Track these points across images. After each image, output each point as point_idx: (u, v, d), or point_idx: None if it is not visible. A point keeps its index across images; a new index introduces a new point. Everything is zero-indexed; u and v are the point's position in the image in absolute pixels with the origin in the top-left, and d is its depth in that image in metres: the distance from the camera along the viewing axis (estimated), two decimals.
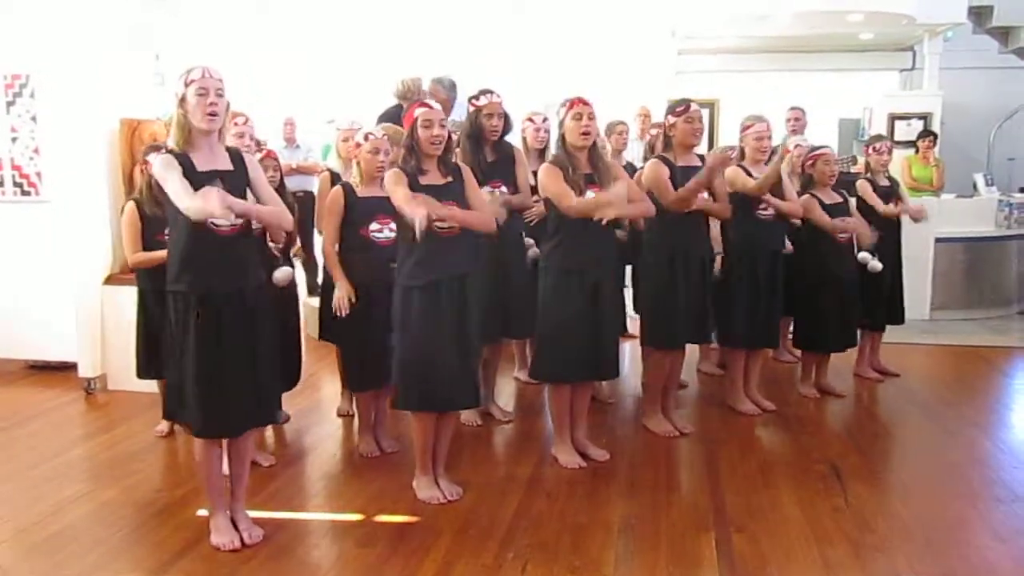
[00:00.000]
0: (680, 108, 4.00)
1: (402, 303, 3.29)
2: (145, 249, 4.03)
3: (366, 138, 3.75)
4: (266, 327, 2.98)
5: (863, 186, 5.00)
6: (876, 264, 4.83)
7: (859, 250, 4.80)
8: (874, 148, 5.07)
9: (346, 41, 8.21)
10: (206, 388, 2.86)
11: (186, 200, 2.69)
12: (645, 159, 4.76)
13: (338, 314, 3.70)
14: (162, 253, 3.31)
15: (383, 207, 3.56)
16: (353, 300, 3.68)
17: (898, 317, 5.21)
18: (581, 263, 3.60)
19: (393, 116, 5.30)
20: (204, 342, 2.83)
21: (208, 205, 2.59)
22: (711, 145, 7.82)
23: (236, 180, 2.88)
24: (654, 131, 4.99)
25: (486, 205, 3.43)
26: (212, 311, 2.83)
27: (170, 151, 2.85)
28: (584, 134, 3.55)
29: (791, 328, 5.47)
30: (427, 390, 3.30)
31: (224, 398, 2.88)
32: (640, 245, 4.26)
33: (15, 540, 3.14)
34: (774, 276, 4.44)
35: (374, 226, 3.70)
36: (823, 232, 4.61)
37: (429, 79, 5.66)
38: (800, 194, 4.72)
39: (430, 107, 3.28)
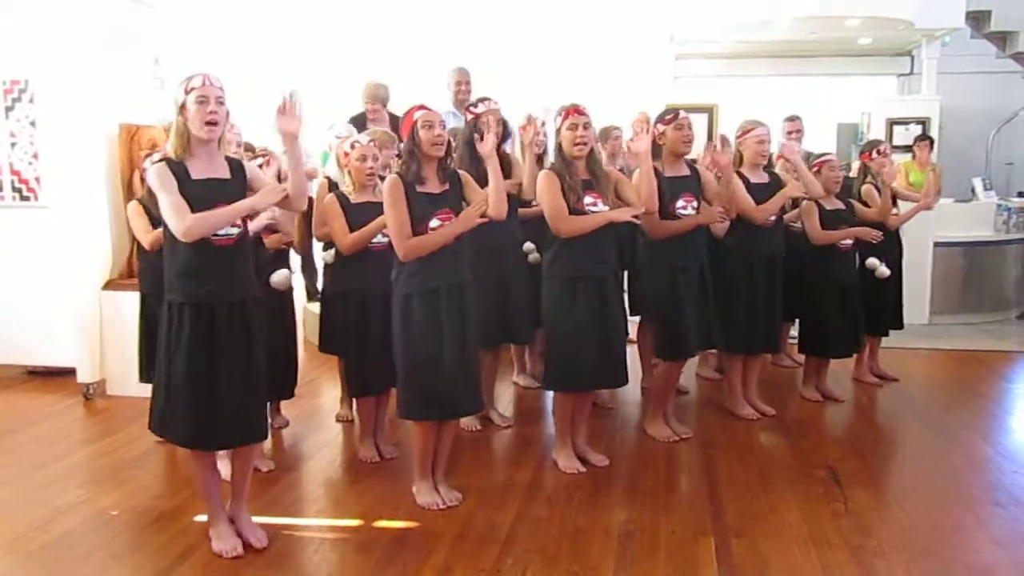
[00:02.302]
0: (669, 116, 4.00)
1: (402, 312, 3.29)
2: (145, 251, 4.04)
3: (353, 146, 3.74)
4: (260, 339, 2.96)
5: (869, 190, 5.00)
6: (884, 270, 4.83)
7: (865, 256, 4.81)
8: (878, 151, 5.07)
9: (345, 46, 8.21)
10: (194, 399, 2.83)
11: (175, 220, 2.73)
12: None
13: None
14: None
15: (376, 213, 3.57)
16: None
17: (898, 323, 5.22)
18: (584, 268, 3.59)
19: (358, 122, 5.31)
20: (196, 352, 2.81)
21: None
22: None
23: (233, 189, 2.87)
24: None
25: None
26: (207, 321, 2.82)
27: (165, 159, 2.84)
28: (579, 144, 3.55)
29: (791, 333, 5.49)
30: (429, 398, 3.29)
31: (212, 410, 2.85)
32: (635, 249, 4.27)
33: (12, 547, 3.13)
34: (773, 281, 4.44)
35: None
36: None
37: (450, 71, 5.68)
38: (799, 200, 4.73)
39: (429, 109, 3.28)
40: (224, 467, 3.48)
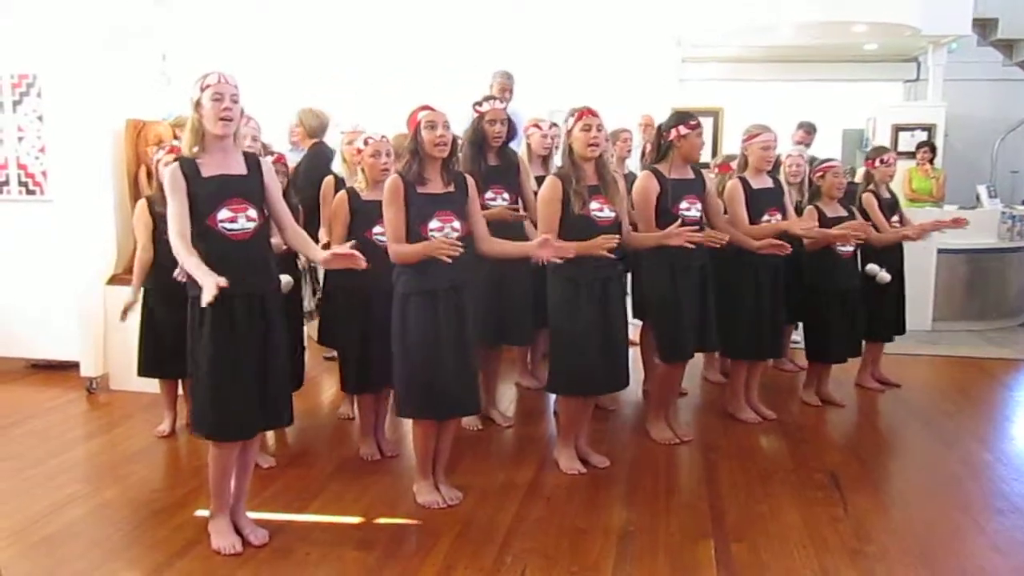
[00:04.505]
0: (693, 122, 3.98)
1: (401, 311, 3.29)
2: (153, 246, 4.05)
3: (366, 142, 3.75)
4: (279, 330, 2.99)
5: (868, 200, 4.97)
6: (884, 275, 4.81)
7: (865, 262, 4.80)
8: (881, 160, 5.05)
9: (351, 45, 8.23)
10: (220, 391, 2.86)
11: (174, 234, 2.79)
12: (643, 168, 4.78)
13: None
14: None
15: None
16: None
17: (900, 328, 5.21)
18: (588, 271, 3.58)
19: (316, 155, 5.25)
20: (218, 345, 2.83)
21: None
22: (714, 153, 7.82)
23: (250, 184, 2.89)
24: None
25: (482, 219, 3.44)
26: (227, 313, 2.83)
27: (179, 158, 2.88)
28: (592, 145, 3.55)
29: (792, 337, 5.49)
30: (428, 398, 3.29)
31: (238, 401, 2.88)
32: (639, 254, 4.26)
33: (14, 539, 3.14)
34: (777, 286, 4.44)
35: (377, 229, 3.69)
36: (824, 245, 4.60)
37: (494, 74, 5.65)
38: (804, 205, 4.73)
39: (433, 109, 3.27)
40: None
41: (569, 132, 3.60)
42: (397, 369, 3.35)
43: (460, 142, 3.75)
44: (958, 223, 4.97)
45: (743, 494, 3.60)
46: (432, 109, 3.27)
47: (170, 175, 2.82)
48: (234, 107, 2.82)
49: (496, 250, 3.39)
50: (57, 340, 5.17)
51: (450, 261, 3.10)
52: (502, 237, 3.51)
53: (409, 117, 3.31)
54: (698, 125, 3.98)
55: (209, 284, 2.61)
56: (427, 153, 3.24)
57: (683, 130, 3.97)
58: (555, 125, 4.51)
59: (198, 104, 2.81)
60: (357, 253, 2.87)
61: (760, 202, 4.34)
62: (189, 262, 2.75)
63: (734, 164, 4.94)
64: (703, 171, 4.21)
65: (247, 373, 2.88)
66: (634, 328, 4.71)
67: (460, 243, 3.16)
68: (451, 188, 3.31)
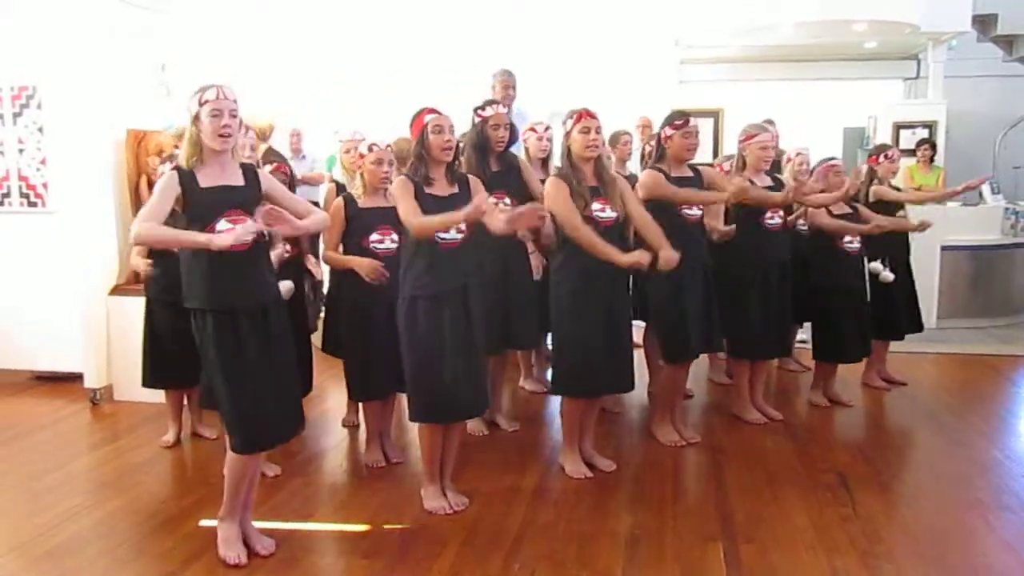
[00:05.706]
0: (679, 122, 3.99)
1: (407, 314, 3.29)
2: (151, 254, 4.05)
3: (370, 149, 3.75)
4: (285, 339, 2.98)
5: (880, 191, 4.97)
6: (888, 275, 4.80)
7: (871, 260, 4.79)
8: (886, 155, 5.05)
9: (351, 51, 8.23)
10: (240, 405, 2.85)
11: (138, 221, 2.76)
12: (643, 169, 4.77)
13: (380, 280, 3.64)
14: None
15: (384, 218, 3.60)
16: (383, 270, 3.64)
17: (916, 326, 5.18)
18: (594, 274, 3.58)
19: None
20: (227, 359, 2.82)
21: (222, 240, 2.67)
22: (715, 154, 7.81)
23: (246, 195, 2.88)
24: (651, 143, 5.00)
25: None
26: (231, 329, 2.82)
27: (176, 167, 2.86)
28: (591, 147, 3.55)
29: (797, 336, 5.47)
30: (434, 401, 3.29)
31: (263, 414, 2.88)
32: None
33: (20, 551, 3.13)
34: (784, 285, 4.43)
35: (374, 236, 3.70)
36: (830, 243, 4.60)
37: (495, 73, 5.60)
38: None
39: (440, 113, 3.28)
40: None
41: (568, 134, 3.60)
42: (406, 373, 3.34)
43: (461, 145, 3.75)
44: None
45: (751, 496, 3.59)
46: (438, 113, 3.28)
47: (166, 178, 2.81)
48: (233, 122, 2.80)
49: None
50: (61, 351, 5.17)
51: (487, 210, 3.06)
52: (504, 241, 3.51)
53: (414, 120, 3.31)
54: (684, 124, 3.97)
55: (207, 237, 2.62)
56: (433, 157, 3.26)
57: (668, 131, 4.00)
58: (549, 128, 4.51)
59: (196, 118, 2.80)
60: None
61: None
62: (167, 233, 2.75)
63: (726, 165, 4.95)
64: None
65: (264, 385, 2.87)
66: (638, 330, 4.70)
67: (467, 243, 3.21)
68: (455, 190, 3.32)
